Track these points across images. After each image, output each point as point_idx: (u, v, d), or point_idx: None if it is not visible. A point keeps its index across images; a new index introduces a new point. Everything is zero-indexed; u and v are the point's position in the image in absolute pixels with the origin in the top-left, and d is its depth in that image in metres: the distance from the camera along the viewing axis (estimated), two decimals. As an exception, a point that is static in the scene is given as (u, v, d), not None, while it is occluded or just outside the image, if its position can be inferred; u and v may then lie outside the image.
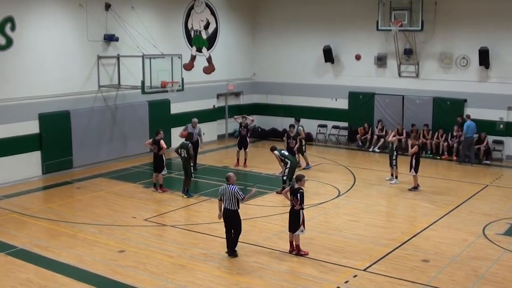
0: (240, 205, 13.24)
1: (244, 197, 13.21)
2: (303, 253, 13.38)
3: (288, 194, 13.46)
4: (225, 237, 13.44)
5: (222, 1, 27.65)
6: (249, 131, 22.61)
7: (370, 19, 25.17)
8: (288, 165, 18.31)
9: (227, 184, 13.34)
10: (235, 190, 13.14)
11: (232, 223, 13.26)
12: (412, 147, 19.05)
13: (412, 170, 18.94)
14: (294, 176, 13.92)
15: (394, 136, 20.59)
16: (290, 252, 13.49)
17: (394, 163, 20.00)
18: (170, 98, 24.26)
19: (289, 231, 13.50)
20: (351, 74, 26.95)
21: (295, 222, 13.31)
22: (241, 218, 15.99)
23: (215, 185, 18.54)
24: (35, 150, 20.45)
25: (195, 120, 21.76)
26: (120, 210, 17.07)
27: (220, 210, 13.34)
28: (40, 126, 20.48)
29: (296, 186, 13.35)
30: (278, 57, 28.85)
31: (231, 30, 28.29)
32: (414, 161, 18.87)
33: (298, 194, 13.14)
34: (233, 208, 13.15)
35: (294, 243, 13.47)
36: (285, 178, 18.31)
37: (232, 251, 13.26)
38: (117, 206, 17.48)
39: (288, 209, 13.52)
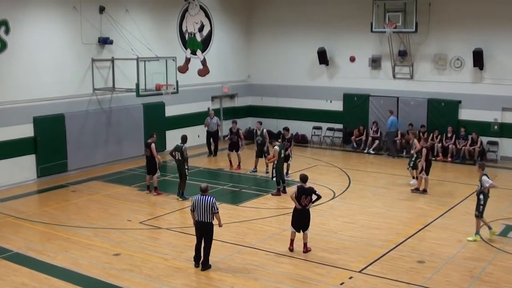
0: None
1: (218, 212, 12.64)
2: (310, 249, 13.64)
3: (294, 196, 13.43)
4: (195, 249, 12.87)
5: (216, 3, 27.66)
6: (241, 138, 22.56)
7: (364, 21, 25.20)
8: (274, 165, 18.42)
9: (202, 195, 12.70)
10: (213, 201, 12.58)
11: (205, 236, 12.68)
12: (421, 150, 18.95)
13: (423, 172, 18.88)
14: (299, 178, 13.96)
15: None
16: (291, 249, 13.60)
17: (414, 164, 19.85)
18: (165, 100, 24.25)
19: (299, 231, 13.55)
20: (345, 76, 26.98)
21: (308, 221, 13.55)
22: (236, 220, 16.06)
23: (210, 187, 18.48)
24: (29, 154, 20.38)
25: (212, 112, 25.42)
26: (115, 213, 17.04)
27: (194, 219, 12.78)
28: (35, 129, 20.42)
29: (307, 186, 13.50)
30: (272, 59, 28.86)
31: (226, 32, 28.29)
32: (425, 163, 18.79)
33: (318, 192, 13.48)
34: (208, 221, 12.54)
35: (304, 241, 13.60)
36: (275, 179, 18.37)
37: (205, 264, 12.76)
38: (112, 209, 17.46)
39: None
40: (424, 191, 18.82)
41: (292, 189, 13.67)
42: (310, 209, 13.70)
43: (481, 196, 14.60)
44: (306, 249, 13.64)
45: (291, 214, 13.80)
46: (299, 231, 13.60)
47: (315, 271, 12.60)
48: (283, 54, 28.43)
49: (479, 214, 14.58)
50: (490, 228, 14.72)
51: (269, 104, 29.22)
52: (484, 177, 14.60)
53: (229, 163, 22.54)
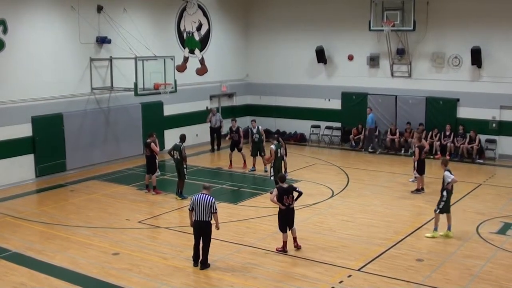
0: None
1: (216, 212, 12.64)
2: (300, 246, 13.76)
3: (276, 198, 13.40)
4: (193, 248, 12.86)
5: (215, 2, 27.64)
6: (241, 136, 22.58)
7: (363, 20, 25.19)
8: (272, 165, 18.46)
9: (202, 194, 12.68)
10: (213, 201, 12.58)
11: (204, 235, 12.65)
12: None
13: (415, 171, 18.88)
14: (277, 178, 14.15)
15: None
16: (280, 251, 13.57)
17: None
18: (163, 100, 24.24)
19: (288, 230, 13.55)
20: (343, 74, 26.97)
21: (293, 218, 13.57)
22: (235, 219, 16.05)
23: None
24: (28, 153, 20.37)
25: (214, 108, 26.39)
26: (114, 212, 17.04)
27: (192, 220, 12.76)
28: (33, 129, 20.41)
29: (286, 185, 13.55)
30: (271, 58, 28.85)
31: (224, 31, 28.27)
32: (416, 162, 18.77)
33: (298, 188, 13.58)
34: (207, 219, 12.52)
35: (293, 236, 13.66)
36: (273, 178, 18.39)
37: (204, 263, 12.76)
38: (111, 208, 17.45)
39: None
40: (421, 189, 18.78)
41: (274, 192, 13.58)
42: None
43: (444, 193, 14.60)
44: (297, 244, 13.68)
45: (277, 217, 13.69)
46: (285, 232, 13.56)
47: (314, 270, 12.60)
48: (282, 53, 28.42)
49: (439, 210, 14.59)
50: (449, 229, 14.69)
51: (267, 103, 29.20)
52: (446, 173, 14.60)
53: (229, 162, 22.50)
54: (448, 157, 23.55)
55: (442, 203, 14.57)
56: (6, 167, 19.72)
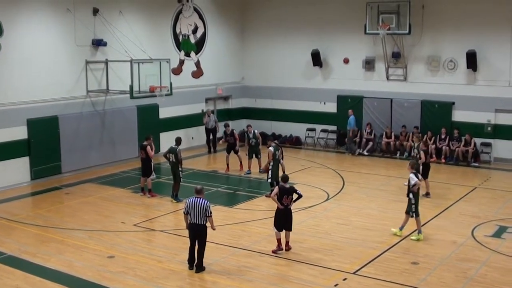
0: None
1: (211, 216, 12.63)
2: (291, 247, 13.87)
3: (276, 197, 13.48)
4: (189, 251, 12.86)
5: (210, 5, 27.64)
6: (237, 139, 22.57)
7: (358, 23, 25.23)
8: (270, 167, 18.43)
9: (196, 197, 12.66)
10: (208, 204, 12.58)
11: (199, 238, 12.65)
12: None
13: (420, 175, 18.74)
14: (280, 178, 14.18)
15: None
16: (276, 251, 13.65)
17: None
18: (158, 102, 24.19)
19: (283, 230, 13.65)
20: (339, 77, 27.00)
21: (291, 221, 13.67)
22: (230, 222, 16.04)
23: (204, 189, 18.45)
24: (23, 156, 20.31)
25: (209, 109, 26.62)
26: (109, 215, 17.01)
27: (187, 222, 12.74)
28: (29, 131, 20.36)
29: (288, 185, 13.61)
30: (266, 61, 28.86)
31: (220, 34, 28.27)
32: (421, 166, 18.41)
33: (299, 191, 13.62)
34: (202, 223, 12.53)
35: (286, 240, 13.73)
36: (269, 181, 18.36)
37: (199, 266, 12.75)
38: (106, 211, 17.42)
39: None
40: (426, 194, 18.60)
41: (275, 190, 13.66)
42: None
43: (411, 196, 14.73)
44: (288, 247, 13.81)
45: (274, 215, 13.81)
46: (281, 231, 13.66)
47: (309, 273, 12.61)
48: (277, 56, 28.43)
49: (413, 214, 14.70)
50: (401, 228, 14.87)
51: (263, 106, 29.20)
52: (411, 175, 14.72)
53: (226, 165, 22.46)
54: (443, 160, 23.70)
55: (413, 206, 14.69)
56: (1, 169, 19.64)
